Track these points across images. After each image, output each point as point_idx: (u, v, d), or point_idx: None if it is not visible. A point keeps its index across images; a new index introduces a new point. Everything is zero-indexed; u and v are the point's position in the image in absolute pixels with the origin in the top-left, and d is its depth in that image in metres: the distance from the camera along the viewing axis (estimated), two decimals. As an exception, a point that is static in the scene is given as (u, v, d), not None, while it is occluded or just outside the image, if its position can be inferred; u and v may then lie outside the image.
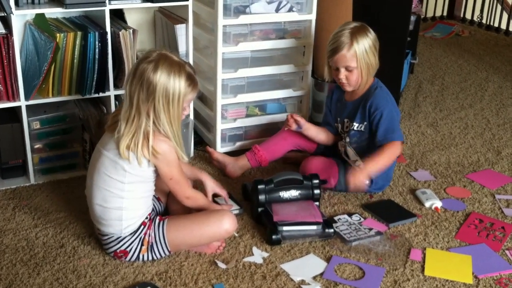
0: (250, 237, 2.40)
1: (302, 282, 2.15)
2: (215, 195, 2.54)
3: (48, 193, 2.68)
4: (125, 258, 2.20)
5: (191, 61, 2.88)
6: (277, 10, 2.98)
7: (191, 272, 2.18)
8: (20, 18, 2.66)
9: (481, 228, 2.53)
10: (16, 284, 2.09)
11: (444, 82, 4.35)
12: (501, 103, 3.97)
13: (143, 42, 3.15)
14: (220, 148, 3.08)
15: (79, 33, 2.61)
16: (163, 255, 2.22)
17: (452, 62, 4.82)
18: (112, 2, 2.66)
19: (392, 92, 2.75)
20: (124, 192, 2.13)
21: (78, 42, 2.62)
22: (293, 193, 2.54)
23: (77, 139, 2.85)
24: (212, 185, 2.48)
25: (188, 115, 2.91)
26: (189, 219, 2.23)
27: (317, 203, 2.55)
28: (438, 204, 2.66)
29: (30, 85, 2.62)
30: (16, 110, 2.69)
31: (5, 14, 2.44)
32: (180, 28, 2.84)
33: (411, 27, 3.91)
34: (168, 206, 2.46)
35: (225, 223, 2.22)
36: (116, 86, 2.79)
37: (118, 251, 2.19)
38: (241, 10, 2.92)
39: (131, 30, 2.72)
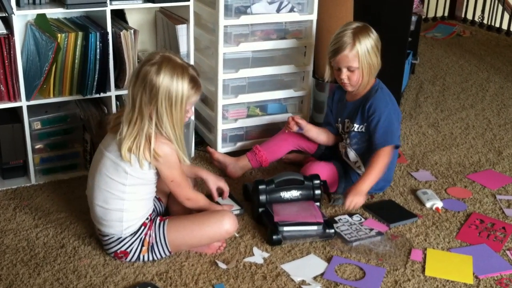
0: (250, 237, 2.40)
1: (303, 282, 2.15)
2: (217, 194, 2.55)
3: (49, 194, 2.68)
4: (126, 258, 2.21)
5: (192, 62, 2.88)
6: (278, 10, 2.98)
7: (192, 273, 2.18)
8: (21, 19, 2.66)
9: (482, 228, 2.52)
10: (17, 284, 2.09)
11: (445, 83, 4.34)
12: (502, 104, 3.97)
13: (144, 42, 3.15)
14: (221, 149, 3.08)
15: (80, 34, 2.61)
16: (163, 255, 2.23)
17: (453, 62, 4.82)
18: (113, 3, 2.66)
19: (393, 92, 2.74)
20: (125, 194, 2.13)
21: (79, 42, 2.62)
22: (294, 193, 2.54)
23: (78, 140, 2.85)
24: (214, 181, 2.47)
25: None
26: (189, 219, 2.23)
27: (317, 203, 2.55)
28: (439, 204, 2.66)
29: (31, 86, 2.62)
30: (17, 110, 2.69)
31: (6, 14, 2.44)
32: (181, 29, 2.84)
33: (412, 27, 3.91)
34: (168, 207, 2.46)
35: (226, 223, 2.22)
36: (117, 87, 2.80)
37: (118, 251, 2.19)
38: (242, 11, 2.92)
39: (132, 31, 2.72)
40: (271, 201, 2.49)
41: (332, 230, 2.39)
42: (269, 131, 3.09)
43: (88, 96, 2.71)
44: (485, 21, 5.85)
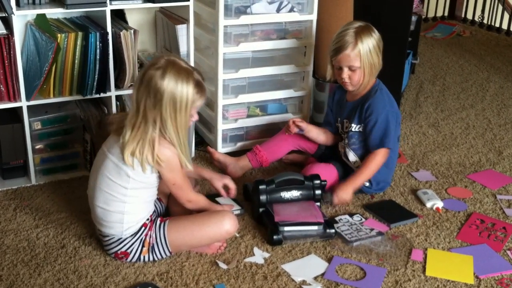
0: (251, 238, 2.40)
1: (303, 282, 2.15)
2: (217, 195, 2.54)
3: (49, 194, 2.68)
4: (126, 259, 2.20)
5: (192, 62, 2.88)
6: (278, 10, 2.98)
7: (192, 273, 2.18)
8: (21, 19, 2.66)
9: (482, 228, 2.52)
10: (17, 285, 2.09)
11: (445, 83, 4.34)
12: (502, 103, 3.97)
13: (144, 42, 3.15)
14: (221, 149, 3.07)
15: (80, 34, 2.61)
16: (164, 256, 2.22)
17: (453, 62, 4.82)
18: (113, 3, 2.66)
19: (393, 92, 2.74)
20: (126, 197, 2.13)
21: (79, 42, 2.62)
22: (294, 193, 2.54)
23: (78, 140, 2.85)
24: (219, 179, 2.49)
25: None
26: (190, 220, 2.23)
27: (318, 203, 2.55)
28: (439, 204, 2.66)
29: (31, 86, 2.62)
30: (17, 110, 2.69)
31: (6, 15, 2.43)
32: (181, 29, 2.84)
33: (412, 27, 3.91)
34: (169, 207, 2.46)
35: (226, 223, 2.22)
36: (117, 87, 2.79)
37: (119, 252, 2.19)
38: (242, 11, 2.91)
39: (132, 31, 2.72)
40: (271, 201, 2.49)
41: (333, 230, 2.39)
42: (269, 131, 3.09)
43: (88, 96, 2.71)
44: (485, 21, 5.85)
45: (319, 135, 2.86)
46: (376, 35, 2.62)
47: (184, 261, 2.24)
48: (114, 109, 2.80)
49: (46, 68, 2.57)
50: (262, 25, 2.99)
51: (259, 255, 2.29)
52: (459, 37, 5.55)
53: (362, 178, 2.64)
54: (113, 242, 2.18)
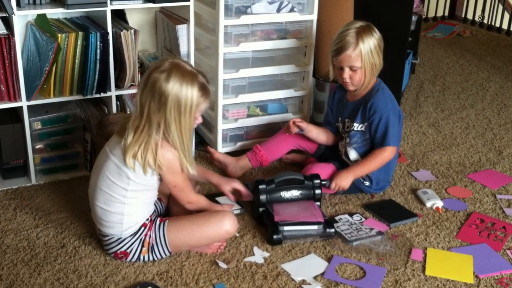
0: (251, 237, 2.40)
1: (303, 282, 2.15)
2: (217, 195, 2.54)
3: (49, 194, 2.68)
4: (126, 259, 2.20)
5: (192, 62, 2.88)
6: (278, 10, 2.98)
7: (192, 272, 2.18)
8: (21, 19, 2.66)
9: (482, 228, 2.52)
10: (17, 284, 2.09)
11: (446, 82, 4.34)
12: (502, 103, 3.97)
13: (144, 42, 3.15)
14: (221, 148, 3.08)
15: (80, 34, 2.61)
16: (163, 256, 2.22)
17: (454, 62, 4.82)
18: (114, 3, 2.67)
19: (393, 92, 2.74)
20: (126, 199, 2.13)
21: (79, 42, 2.62)
22: (294, 193, 2.54)
23: (79, 140, 2.85)
24: (227, 183, 2.49)
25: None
26: (189, 220, 2.23)
27: (318, 203, 2.55)
28: (439, 204, 2.66)
29: (32, 86, 2.62)
30: (18, 110, 2.69)
31: (7, 15, 2.44)
32: (181, 29, 2.85)
33: (412, 27, 3.91)
34: (169, 207, 2.46)
35: (226, 223, 2.22)
36: (118, 87, 2.80)
37: (118, 252, 2.19)
38: (242, 11, 2.92)
39: (132, 31, 2.72)
40: (271, 200, 2.49)
41: (333, 230, 2.39)
42: (269, 131, 3.09)
43: (89, 96, 2.72)
44: (485, 21, 5.85)
45: (319, 135, 2.86)
46: (377, 34, 2.62)
47: (184, 260, 2.24)
48: (114, 109, 2.80)
49: (47, 68, 2.57)
50: (262, 25, 2.99)
51: (259, 255, 2.29)
52: (459, 37, 5.55)
53: (364, 169, 2.64)
54: (112, 242, 2.18)
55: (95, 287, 2.09)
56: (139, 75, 2.82)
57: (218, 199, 2.57)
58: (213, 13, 2.91)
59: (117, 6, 2.69)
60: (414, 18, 3.97)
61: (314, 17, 3.06)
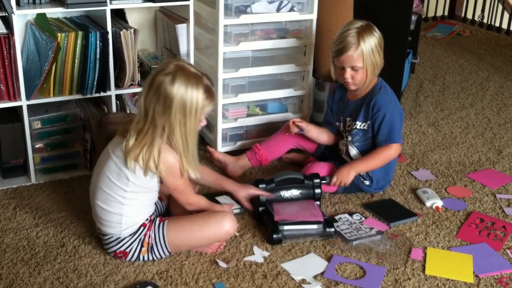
0: (251, 236, 2.40)
1: (303, 281, 2.15)
2: (217, 194, 2.54)
3: (49, 193, 2.68)
4: (125, 258, 2.20)
5: (192, 61, 2.88)
6: (278, 9, 2.98)
7: (192, 271, 2.18)
8: (21, 18, 2.66)
9: (482, 227, 2.52)
10: (17, 283, 2.09)
11: (445, 82, 4.34)
12: (502, 103, 3.97)
13: (144, 42, 3.15)
14: (221, 148, 3.08)
15: (80, 33, 2.61)
16: (163, 256, 2.22)
17: (453, 61, 4.82)
18: (113, 2, 2.66)
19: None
20: (125, 199, 2.12)
21: (79, 41, 2.62)
22: (294, 192, 2.54)
23: (78, 139, 2.85)
24: (243, 191, 2.45)
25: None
26: (189, 220, 2.23)
27: (318, 202, 2.55)
28: (439, 203, 2.66)
29: (31, 85, 2.62)
30: (17, 109, 2.69)
31: (6, 14, 2.44)
32: (181, 28, 2.84)
33: (412, 26, 3.91)
34: (169, 207, 2.45)
35: (226, 224, 2.21)
36: (117, 86, 2.80)
37: (117, 251, 2.19)
38: (242, 10, 2.92)
39: (132, 30, 2.72)
40: (271, 200, 2.49)
41: (332, 229, 2.39)
42: (269, 130, 3.09)
43: (88, 96, 2.72)
44: (485, 21, 5.85)
45: (319, 135, 2.86)
46: (377, 33, 2.62)
47: (184, 260, 2.24)
48: (114, 108, 2.80)
49: (46, 68, 2.57)
50: (262, 24, 2.99)
51: (258, 254, 2.29)
52: (459, 37, 5.55)
53: (367, 165, 2.63)
54: (112, 241, 2.18)
55: (95, 286, 2.09)
56: (139, 74, 2.82)
57: (218, 198, 2.57)
58: (212, 12, 2.91)
59: (116, 5, 2.69)
60: (413, 17, 3.97)
61: (314, 16, 3.06)
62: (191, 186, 2.27)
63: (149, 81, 2.06)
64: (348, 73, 2.61)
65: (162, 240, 2.19)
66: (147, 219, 2.20)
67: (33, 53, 2.63)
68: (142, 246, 2.18)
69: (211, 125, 3.14)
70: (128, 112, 2.87)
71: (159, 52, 3.15)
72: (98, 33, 2.62)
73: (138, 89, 2.84)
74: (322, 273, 2.20)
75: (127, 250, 2.18)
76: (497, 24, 5.76)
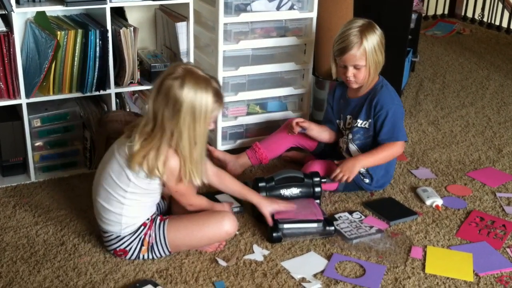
0: (250, 235, 2.40)
1: (303, 279, 2.15)
2: (217, 193, 2.54)
3: (49, 191, 2.68)
4: (125, 257, 2.20)
5: (192, 59, 2.88)
6: (278, 8, 2.98)
7: (192, 270, 2.18)
8: (20, 16, 2.66)
9: (482, 226, 2.52)
10: (17, 282, 2.09)
11: (445, 80, 4.34)
12: (502, 101, 3.97)
13: (144, 40, 3.15)
14: (221, 146, 3.08)
15: (80, 31, 2.61)
16: (163, 255, 2.22)
17: (453, 60, 4.82)
18: (113, 0, 2.66)
19: (392, 90, 2.75)
20: (125, 200, 2.12)
21: (79, 40, 2.62)
22: (294, 191, 2.54)
23: (78, 137, 2.85)
24: (269, 205, 2.38)
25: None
26: (189, 220, 2.22)
27: (318, 201, 2.55)
28: (439, 202, 2.66)
29: (31, 83, 2.62)
30: (17, 108, 2.69)
31: (6, 12, 2.44)
32: (181, 26, 2.84)
33: (412, 25, 3.91)
34: (171, 206, 2.44)
35: (226, 224, 2.21)
36: (117, 84, 2.79)
37: (118, 249, 2.19)
38: (242, 8, 2.91)
39: (132, 28, 2.72)
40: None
41: (332, 228, 2.39)
42: (269, 129, 3.09)
43: (88, 94, 2.71)
44: (485, 19, 5.84)
45: (320, 133, 2.85)
46: (378, 31, 2.61)
47: (184, 258, 2.24)
48: (113, 107, 2.80)
49: (46, 66, 2.57)
50: (262, 22, 2.99)
51: (258, 253, 2.29)
52: (459, 35, 5.55)
53: (372, 160, 2.61)
54: (112, 239, 2.18)
55: (95, 285, 2.09)
56: (139, 72, 2.81)
57: (218, 197, 2.56)
58: (212, 10, 2.91)
59: (116, 3, 2.69)
60: (413, 16, 3.96)
61: (313, 15, 3.06)
62: (192, 188, 2.26)
63: (158, 85, 2.04)
64: (351, 71, 2.61)
65: (162, 240, 2.19)
66: (148, 219, 2.19)
67: (33, 51, 2.63)
68: (142, 245, 2.18)
69: (211, 124, 3.14)
70: (128, 110, 2.87)
71: (159, 50, 3.15)
72: (97, 31, 2.62)
73: (138, 88, 2.84)
74: (322, 272, 2.20)
75: (127, 248, 2.18)
76: (497, 23, 5.76)
